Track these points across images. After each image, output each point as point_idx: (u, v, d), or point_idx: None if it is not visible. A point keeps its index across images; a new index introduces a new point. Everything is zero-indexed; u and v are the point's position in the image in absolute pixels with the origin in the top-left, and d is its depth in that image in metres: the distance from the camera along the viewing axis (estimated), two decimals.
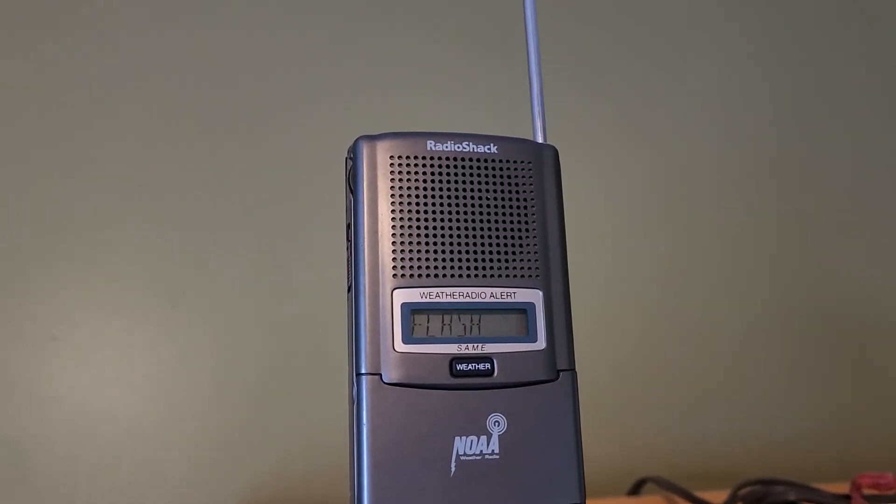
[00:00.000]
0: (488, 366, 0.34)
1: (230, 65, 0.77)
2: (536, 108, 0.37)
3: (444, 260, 0.34)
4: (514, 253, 0.35)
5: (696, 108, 0.87)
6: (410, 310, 0.34)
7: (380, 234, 0.34)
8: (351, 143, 0.37)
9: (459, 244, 0.35)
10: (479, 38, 0.82)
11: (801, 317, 0.85)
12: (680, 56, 0.88)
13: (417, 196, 0.35)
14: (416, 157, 0.35)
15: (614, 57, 0.86)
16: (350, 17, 0.80)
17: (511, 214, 0.35)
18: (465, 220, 0.35)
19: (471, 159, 0.35)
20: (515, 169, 0.36)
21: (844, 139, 0.91)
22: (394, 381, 0.33)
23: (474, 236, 0.35)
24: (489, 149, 0.36)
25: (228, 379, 0.72)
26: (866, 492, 0.55)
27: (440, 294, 0.34)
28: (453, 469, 0.32)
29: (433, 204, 0.35)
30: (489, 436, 0.33)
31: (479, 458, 0.32)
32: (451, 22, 0.82)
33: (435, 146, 0.35)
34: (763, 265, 0.85)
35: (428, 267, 0.34)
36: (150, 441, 0.70)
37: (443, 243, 0.34)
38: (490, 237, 0.35)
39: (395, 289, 0.34)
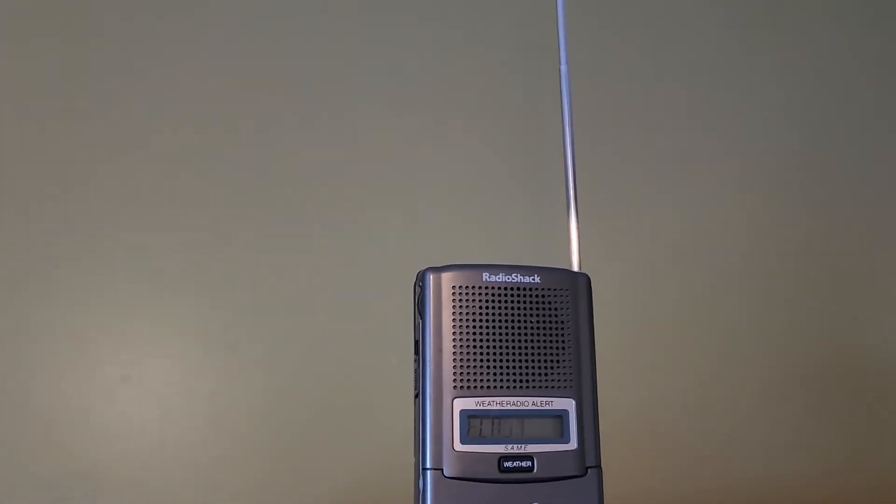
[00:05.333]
0: (530, 463, 0.41)
1: (299, 152, 0.85)
2: (574, 242, 0.45)
3: (495, 374, 0.42)
4: (551, 367, 0.43)
5: (711, 160, 0.94)
6: (467, 415, 0.41)
7: (443, 351, 0.42)
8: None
9: (507, 360, 0.42)
10: (519, 165, 0.88)
11: (819, 366, 0.90)
12: (702, 111, 0.95)
13: (474, 319, 0.42)
14: (473, 287, 0.43)
15: (636, 117, 0.93)
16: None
17: (550, 334, 0.43)
18: (513, 340, 0.42)
19: (518, 288, 0.43)
20: (554, 296, 0.43)
21: (865, 191, 0.97)
22: (453, 475, 0.41)
23: (520, 353, 0.42)
24: (533, 279, 0.43)
25: (280, 421, 0.79)
26: None
27: (491, 402, 0.42)
28: None
29: (487, 326, 0.42)
30: None
31: None
32: (491, 149, 0.89)
33: (489, 278, 0.43)
34: (782, 314, 0.91)
35: (482, 379, 0.42)
36: (210, 476, 0.77)
37: (494, 360, 0.42)
38: (532, 354, 0.43)
39: (455, 398, 0.41)
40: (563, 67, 0.46)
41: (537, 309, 0.43)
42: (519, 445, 0.41)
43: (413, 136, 0.88)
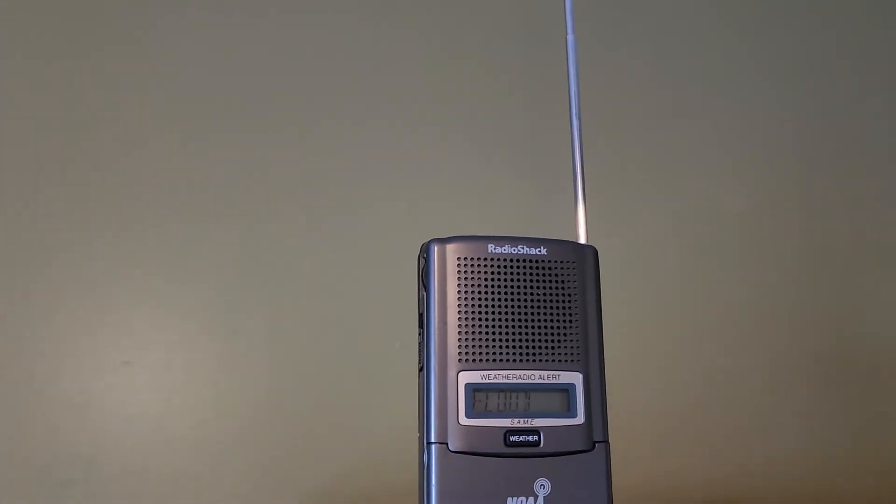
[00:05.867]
0: (536, 437, 0.40)
1: (300, 151, 0.84)
2: (580, 213, 0.44)
3: (501, 347, 0.41)
4: (558, 341, 0.42)
5: (717, 150, 0.93)
6: (473, 389, 0.40)
7: (448, 324, 0.41)
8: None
9: (513, 333, 0.41)
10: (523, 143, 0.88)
11: (821, 360, 0.89)
12: (705, 102, 0.94)
13: (479, 292, 0.41)
14: (478, 259, 0.42)
15: (639, 106, 0.92)
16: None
17: (557, 307, 0.42)
18: (519, 313, 0.42)
19: (524, 260, 0.42)
20: (561, 268, 0.43)
21: (870, 186, 0.96)
22: (458, 450, 0.40)
23: (526, 326, 0.42)
24: (539, 251, 0.42)
25: (282, 405, 0.79)
26: None
27: (497, 376, 0.41)
28: None
29: (493, 298, 0.41)
30: (536, 497, 0.40)
31: None
32: (494, 125, 0.88)
33: (495, 249, 0.42)
34: (786, 307, 0.90)
35: (488, 352, 0.41)
36: (211, 461, 0.77)
37: (500, 333, 0.41)
38: (539, 327, 0.42)
39: (460, 371, 0.41)
40: (570, 37, 0.45)
41: (544, 281, 0.42)
42: (525, 419, 0.41)
43: (415, 115, 0.87)
